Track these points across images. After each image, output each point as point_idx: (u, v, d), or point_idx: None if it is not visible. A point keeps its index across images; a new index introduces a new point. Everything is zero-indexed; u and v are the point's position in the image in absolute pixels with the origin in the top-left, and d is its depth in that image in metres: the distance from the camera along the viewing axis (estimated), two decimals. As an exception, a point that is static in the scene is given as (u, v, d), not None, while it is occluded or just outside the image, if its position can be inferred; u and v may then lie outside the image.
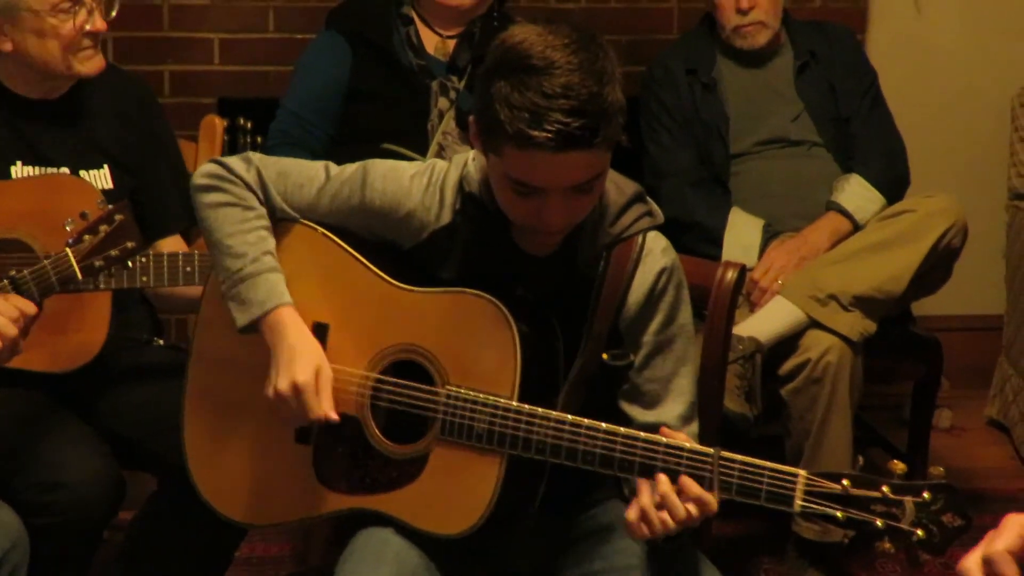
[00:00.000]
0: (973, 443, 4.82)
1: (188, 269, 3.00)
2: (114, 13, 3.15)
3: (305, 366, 2.46)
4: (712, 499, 2.28)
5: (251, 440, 2.61)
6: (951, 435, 4.85)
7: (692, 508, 2.28)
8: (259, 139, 4.26)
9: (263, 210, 2.57)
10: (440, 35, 3.89)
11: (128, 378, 3.16)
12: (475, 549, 2.48)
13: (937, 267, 3.80)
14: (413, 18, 3.87)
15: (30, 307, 2.66)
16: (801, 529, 3.73)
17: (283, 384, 2.46)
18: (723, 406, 2.94)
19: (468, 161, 2.53)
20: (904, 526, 2.20)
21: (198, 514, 2.70)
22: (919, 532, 2.19)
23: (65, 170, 3.13)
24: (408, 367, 2.49)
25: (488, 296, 2.42)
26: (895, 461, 2.24)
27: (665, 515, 2.28)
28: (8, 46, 3.06)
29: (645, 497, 2.30)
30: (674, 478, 2.29)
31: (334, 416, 2.47)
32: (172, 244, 3.27)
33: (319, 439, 2.55)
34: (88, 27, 3.08)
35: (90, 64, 3.13)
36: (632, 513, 2.32)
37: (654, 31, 4.65)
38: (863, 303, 3.66)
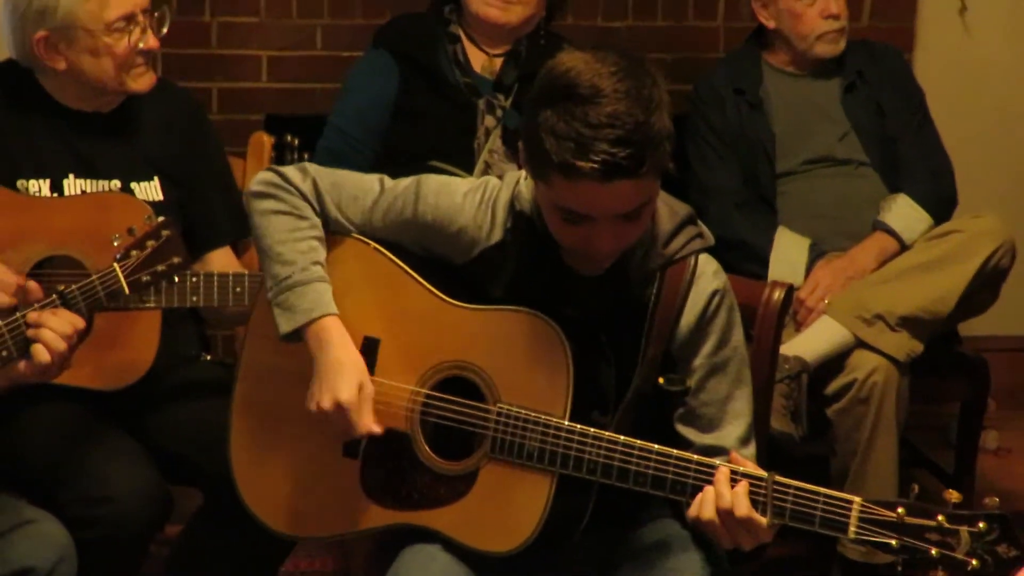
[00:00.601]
0: (1020, 464, 4.78)
1: (238, 290, 3.01)
2: (165, 30, 3.17)
3: (348, 382, 2.47)
4: (760, 520, 2.29)
5: (298, 453, 2.62)
6: (998, 456, 4.82)
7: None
8: (306, 156, 4.26)
9: (317, 220, 2.58)
10: (487, 53, 3.90)
11: (175, 393, 3.17)
12: (523, 567, 2.48)
13: (985, 288, 3.79)
14: (460, 36, 3.88)
15: (79, 321, 2.68)
16: (846, 550, 3.71)
17: (326, 401, 2.47)
18: (769, 426, 2.93)
19: (520, 179, 2.53)
20: (959, 555, 2.19)
21: (244, 529, 2.71)
22: (974, 562, 2.18)
23: (116, 183, 3.15)
24: (459, 383, 2.50)
25: (542, 315, 2.42)
26: (950, 491, 2.23)
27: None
28: (62, 64, 3.08)
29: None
30: None
31: (377, 430, 2.49)
32: (221, 256, 3.29)
33: (367, 453, 2.56)
34: (141, 45, 3.10)
35: (142, 80, 3.15)
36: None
37: (700, 50, 4.64)
38: (910, 323, 3.64)
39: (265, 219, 2.59)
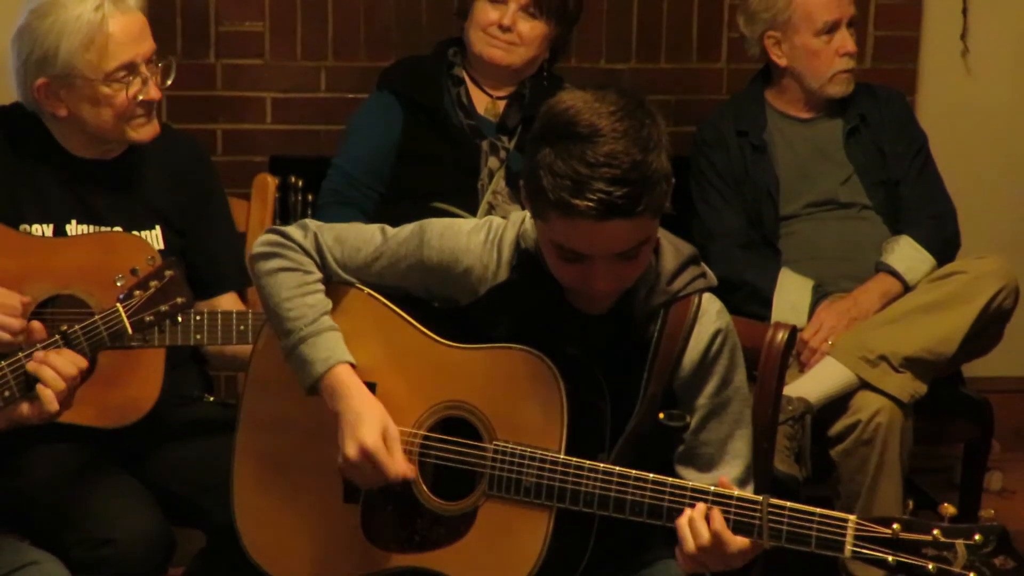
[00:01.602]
0: (1024, 506, 4.78)
1: (242, 328, 3.02)
2: (170, 81, 3.17)
3: (371, 429, 2.47)
4: (734, 540, 2.29)
5: (299, 499, 2.62)
6: (1002, 497, 4.80)
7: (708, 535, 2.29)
8: (310, 197, 4.28)
9: (320, 275, 2.59)
10: (490, 96, 3.91)
11: (179, 434, 3.17)
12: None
13: (988, 329, 3.78)
14: (464, 79, 3.90)
15: (81, 361, 2.67)
16: (851, 566, 3.70)
17: (351, 450, 2.47)
18: (773, 467, 2.93)
19: (526, 218, 2.54)
20: (956, 569, 2.19)
21: (247, 571, 2.70)
22: (971, 575, 2.18)
23: (118, 229, 3.15)
24: (456, 424, 2.50)
25: (534, 351, 2.43)
26: (945, 504, 2.23)
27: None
28: (63, 111, 3.08)
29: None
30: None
31: (411, 473, 2.49)
32: (228, 301, 3.29)
33: (367, 498, 2.56)
34: (141, 96, 3.08)
35: (143, 131, 3.13)
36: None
37: (703, 92, 4.65)
38: (914, 364, 3.64)
39: (271, 278, 2.60)
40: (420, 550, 2.51)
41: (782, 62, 4.09)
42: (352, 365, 2.53)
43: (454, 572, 2.47)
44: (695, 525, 2.30)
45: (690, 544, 2.30)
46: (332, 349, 2.52)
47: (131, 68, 3.06)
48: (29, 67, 3.06)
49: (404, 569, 2.54)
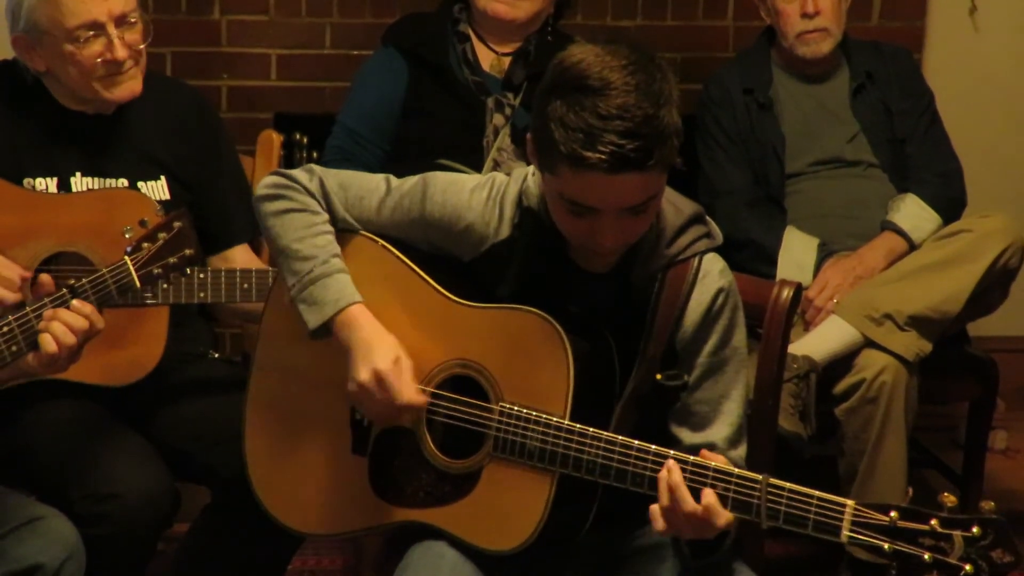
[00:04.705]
0: (1029, 465, 4.79)
1: (245, 286, 3.02)
2: (144, 45, 3.10)
3: (385, 354, 2.46)
4: (722, 513, 2.28)
5: (310, 450, 2.63)
6: (1006, 456, 4.81)
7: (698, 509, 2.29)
8: (315, 154, 4.28)
9: (327, 216, 2.58)
10: (495, 52, 3.90)
11: (184, 391, 3.18)
12: (527, 564, 2.48)
13: (994, 287, 3.78)
14: (469, 35, 3.88)
15: (98, 319, 2.66)
16: (854, 550, 3.70)
17: (364, 374, 2.46)
18: (777, 425, 2.93)
19: (528, 175, 2.53)
20: (952, 560, 2.18)
21: (252, 527, 2.72)
22: (967, 567, 2.17)
23: (124, 182, 3.15)
24: (464, 382, 2.50)
25: (543, 314, 2.42)
26: (945, 494, 2.22)
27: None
28: (42, 66, 3.08)
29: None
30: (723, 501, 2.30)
31: (420, 400, 2.48)
32: (242, 252, 3.29)
33: (375, 451, 2.57)
34: (108, 56, 3.05)
35: (117, 91, 3.10)
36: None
37: (710, 49, 4.64)
38: (919, 323, 3.64)
39: (278, 219, 2.59)
40: (425, 506, 2.52)
41: (767, 20, 4.09)
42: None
43: (456, 529, 2.48)
44: (680, 492, 2.30)
45: (674, 503, 2.30)
46: (343, 291, 2.52)
47: (95, 27, 3.03)
48: (9, 23, 3.05)
49: (408, 525, 2.54)
